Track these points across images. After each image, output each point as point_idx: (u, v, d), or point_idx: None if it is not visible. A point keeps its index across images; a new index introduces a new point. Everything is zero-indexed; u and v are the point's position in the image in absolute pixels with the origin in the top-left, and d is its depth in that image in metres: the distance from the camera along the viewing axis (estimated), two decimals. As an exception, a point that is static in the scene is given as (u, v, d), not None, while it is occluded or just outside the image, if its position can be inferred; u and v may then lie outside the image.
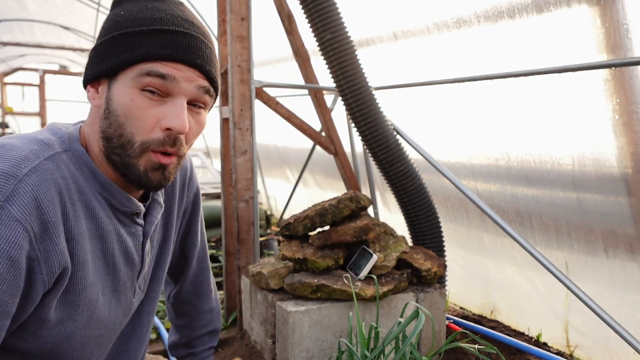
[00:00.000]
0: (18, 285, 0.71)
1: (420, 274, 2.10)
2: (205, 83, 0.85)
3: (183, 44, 0.81)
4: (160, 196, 1.01)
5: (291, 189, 4.19)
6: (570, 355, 2.26)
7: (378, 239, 2.14)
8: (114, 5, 0.88)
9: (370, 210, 3.01)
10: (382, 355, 1.63)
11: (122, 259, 0.91)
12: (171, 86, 0.80)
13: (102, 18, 6.85)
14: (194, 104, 0.86)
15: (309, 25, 2.23)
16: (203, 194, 4.69)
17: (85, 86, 0.88)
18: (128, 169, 0.82)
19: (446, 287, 2.37)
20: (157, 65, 0.79)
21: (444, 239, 2.42)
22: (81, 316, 0.84)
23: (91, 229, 0.84)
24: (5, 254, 0.68)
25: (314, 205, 2.19)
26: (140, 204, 0.92)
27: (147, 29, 0.81)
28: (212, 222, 4.24)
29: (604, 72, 1.76)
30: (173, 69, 0.80)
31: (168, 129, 0.81)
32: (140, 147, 0.81)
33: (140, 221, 0.95)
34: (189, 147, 0.90)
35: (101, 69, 0.82)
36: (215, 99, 0.91)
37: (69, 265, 0.78)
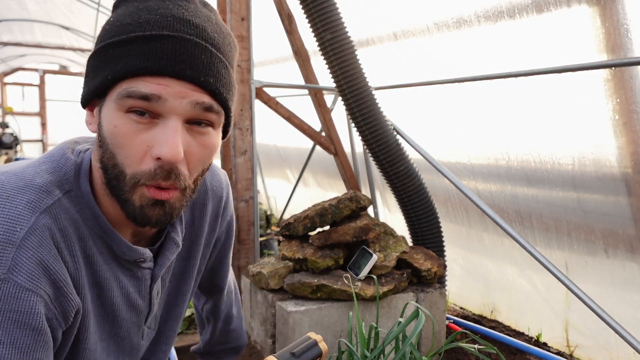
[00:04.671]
0: (50, 346, 0.69)
1: (420, 274, 2.10)
2: (204, 98, 0.69)
3: (168, 52, 0.66)
4: (179, 233, 0.89)
5: (291, 189, 4.20)
6: (570, 355, 2.26)
7: (378, 239, 2.14)
8: (112, 11, 0.77)
9: (370, 210, 3.01)
10: (382, 355, 1.63)
11: (123, 306, 0.84)
12: (158, 106, 0.66)
13: (102, 18, 6.85)
14: (197, 122, 0.71)
15: (309, 25, 2.23)
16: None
17: (84, 109, 0.77)
18: (124, 206, 0.72)
19: (446, 287, 2.37)
20: (138, 84, 0.66)
21: (444, 239, 2.42)
22: None
23: (89, 277, 0.77)
24: (28, 327, 0.64)
25: (314, 205, 2.19)
26: (146, 251, 0.82)
27: (127, 37, 0.67)
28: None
29: (604, 72, 1.76)
30: (157, 86, 0.66)
31: (158, 158, 0.67)
32: (130, 180, 0.69)
33: (148, 264, 0.84)
34: (199, 176, 0.75)
35: (89, 88, 0.72)
36: (228, 114, 0.75)
37: (80, 309, 0.74)
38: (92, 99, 0.72)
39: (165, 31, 0.67)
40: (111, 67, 0.67)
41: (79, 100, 0.76)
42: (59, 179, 0.73)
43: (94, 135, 0.80)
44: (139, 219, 0.72)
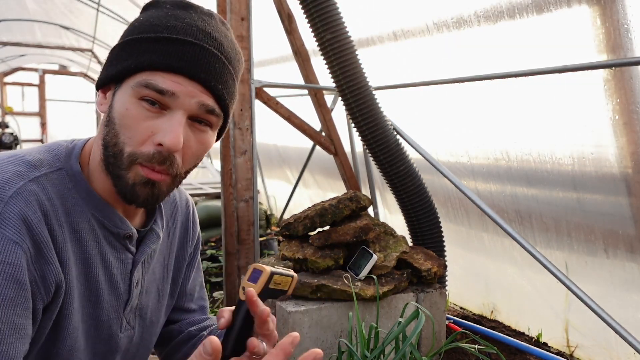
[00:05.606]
0: (29, 307, 0.70)
1: (420, 274, 2.10)
2: (209, 101, 0.77)
3: (188, 55, 0.75)
4: (160, 228, 0.95)
5: (291, 189, 4.20)
6: (571, 355, 2.26)
7: (378, 239, 2.14)
8: (141, 12, 0.85)
9: (370, 210, 3.01)
10: (382, 355, 1.63)
11: (106, 286, 0.86)
12: (170, 100, 0.75)
13: (102, 18, 6.85)
14: (199, 121, 0.79)
15: (309, 25, 2.23)
16: (203, 194, 4.69)
17: (97, 90, 0.85)
18: (117, 181, 0.78)
19: (446, 287, 2.37)
20: (157, 78, 0.74)
21: (444, 239, 2.42)
22: (63, 343, 0.80)
23: (76, 252, 0.80)
24: (12, 278, 0.68)
25: (314, 205, 2.19)
26: (133, 229, 0.87)
27: (155, 36, 0.76)
28: (212, 222, 4.24)
29: (604, 72, 1.76)
30: (173, 83, 0.75)
31: (160, 144, 0.75)
32: (128, 158, 0.76)
33: (132, 248, 0.89)
34: (189, 169, 0.83)
35: (109, 73, 0.80)
36: (226, 120, 0.84)
37: (63, 283, 0.76)
38: (108, 82, 0.80)
39: (189, 37, 0.76)
40: (135, 58, 0.76)
41: (95, 82, 0.85)
42: (50, 158, 0.80)
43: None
44: (128, 196, 0.78)
